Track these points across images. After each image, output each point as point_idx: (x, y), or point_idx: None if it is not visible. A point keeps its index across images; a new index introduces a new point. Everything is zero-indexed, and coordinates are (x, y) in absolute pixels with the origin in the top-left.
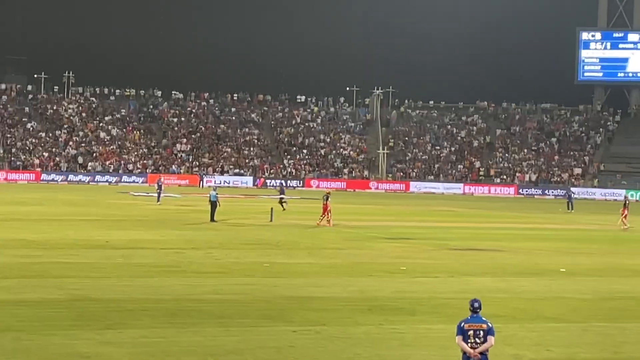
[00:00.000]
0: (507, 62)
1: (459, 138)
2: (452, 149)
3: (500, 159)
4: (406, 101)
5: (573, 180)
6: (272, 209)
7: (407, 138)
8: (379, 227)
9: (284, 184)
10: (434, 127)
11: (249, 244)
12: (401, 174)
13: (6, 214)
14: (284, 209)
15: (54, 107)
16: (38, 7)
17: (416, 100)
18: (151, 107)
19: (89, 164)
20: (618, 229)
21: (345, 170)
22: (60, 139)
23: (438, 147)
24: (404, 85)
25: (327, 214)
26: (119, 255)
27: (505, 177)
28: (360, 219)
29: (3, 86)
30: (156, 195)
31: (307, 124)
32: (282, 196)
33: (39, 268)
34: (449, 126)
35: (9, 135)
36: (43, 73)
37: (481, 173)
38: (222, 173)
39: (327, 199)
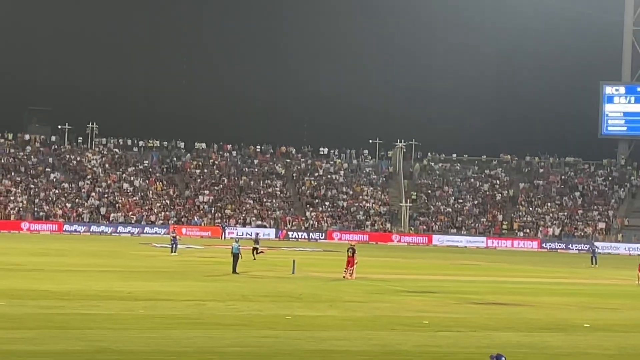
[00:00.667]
0: (530, 115)
1: (482, 191)
2: (475, 202)
3: (524, 213)
4: (429, 154)
5: (597, 234)
6: (294, 261)
7: (429, 191)
8: (401, 280)
9: (259, 235)
10: (457, 180)
11: (270, 296)
12: (424, 227)
13: (29, 265)
14: (254, 259)
15: (78, 158)
16: (62, 58)
17: (439, 153)
18: (174, 158)
19: (112, 215)
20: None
21: (368, 223)
22: (83, 190)
23: (461, 200)
24: (427, 138)
25: (352, 267)
26: (141, 307)
27: (528, 230)
28: (382, 271)
29: (27, 137)
30: (169, 246)
31: (329, 176)
32: (256, 246)
33: (60, 319)
34: (472, 179)
35: (32, 186)
36: (67, 124)
37: (504, 226)
38: (244, 225)
39: (353, 253)
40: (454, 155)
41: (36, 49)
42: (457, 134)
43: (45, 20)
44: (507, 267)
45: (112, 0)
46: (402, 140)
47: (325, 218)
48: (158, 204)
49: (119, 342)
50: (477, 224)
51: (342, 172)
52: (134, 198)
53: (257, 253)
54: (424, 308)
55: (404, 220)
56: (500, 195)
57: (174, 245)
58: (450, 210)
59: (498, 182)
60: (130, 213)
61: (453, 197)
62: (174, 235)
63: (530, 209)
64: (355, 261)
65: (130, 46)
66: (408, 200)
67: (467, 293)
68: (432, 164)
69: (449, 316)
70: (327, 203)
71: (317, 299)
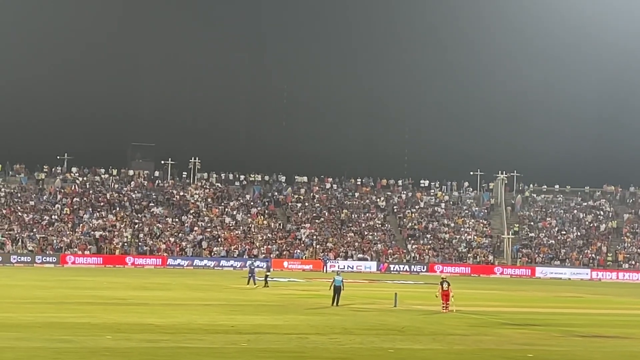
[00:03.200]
0: (635, 145)
1: (585, 222)
2: (578, 233)
3: (629, 244)
4: (531, 185)
5: None
6: (395, 294)
7: (532, 223)
8: (504, 313)
9: (270, 263)
10: (560, 211)
11: (373, 329)
12: (526, 259)
13: (133, 299)
14: (265, 285)
15: (181, 193)
16: (165, 95)
17: (541, 185)
18: (275, 192)
19: (214, 248)
20: None
21: (470, 255)
22: (186, 224)
23: (564, 232)
24: (528, 169)
25: (447, 301)
26: (244, 340)
27: (634, 262)
28: (485, 304)
29: (131, 172)
30: (248, 277)
31: (430, 209)
32: (268, 274)
33: (165, 353)
34: (575, 210)
35: (136, 221)
36: (170, 159)
37: (609, 258)
38: (345, 258)
39: (448, 285)
40: (556, 186)
41: (139, 86)
42: (560, 164)
43: (147, 57)
44: (612, 299)
45: (212, 40)
46: (504, 172)
47: (426, 250)
48: (260, 238)
49: None
50: (580, 256)
51: (443, 204)
52: (236, 232)
53: (268, 279)
54: (528, 341)
55: (506, 252)
56: (604, 226)
57: (251, 277)
58: (553, 241)
59: (602, 213)
60: (233, 247)
61: (556, 229)
62: (253, 267)
63: (636, 240)
64: (451, 294)
65: (231, 83)
66: (510, 232)
67: (572, 326)
68: (534, 195)
69: (553, 349)
70: (428, 235)
71: (419, 332)
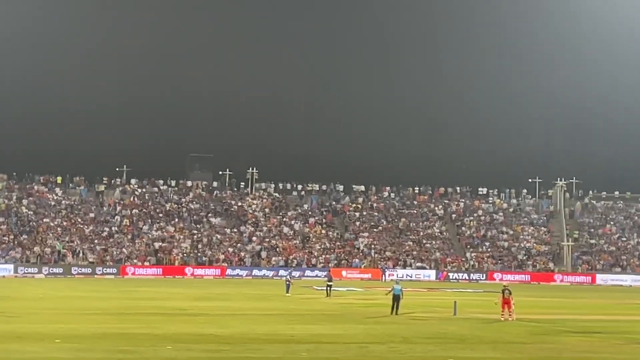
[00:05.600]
0: None
1: None
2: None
3: None
4: (590, 192)
5: None
6: (455, 302)
7: (592, 229)
8: (565, 321)
9: (329, 272)
10: (620, 217)
11: (432, 337)
12: (587, 266)
13: (193, 309)
14: (328, 295)
15: (239, 203)
16: (223, 106)
17: (600, 191)
18: (333, 201)
19: (273, 258)
20: None
21: (529, 263)
22: (244, 234)
23: (624, 238)
24: (588, 176)
25: (509, 309)
26: (304, 350)
27: None
28: (545, 312)
29: (189, 183)
30: (286, 286)
31: (489, 216)
32: (330, 283)
33: None
34: (636, 217)
35: (195, 232)
36: (228, 170)
37: None
38: (404, 266)
39: (510, 293)
40: (616, 192)
41: (197, 97)
42: (620, 170)
43: (205, 69)
44: None
45: (270, 51)
46: (562, 179)
47: (485, 258)
48: (318, 247)
49: None
50: None
51: (501, 212)
52: (294, 241)
53: (330, 289)
54: (589, 349)
55: (566, 260)
56: None
57: (288, 286)
58: (613, 248)
59: None
60: (291, 256)
61: (616, 235)
62: (289, 277)
63: None
64: (512, 302)
65: (287, 93)
66: (570, 239)
67: (634, 333)
68: (594, 202)
69: (615, 357)
70: (487, 243)
71: (479, 341)
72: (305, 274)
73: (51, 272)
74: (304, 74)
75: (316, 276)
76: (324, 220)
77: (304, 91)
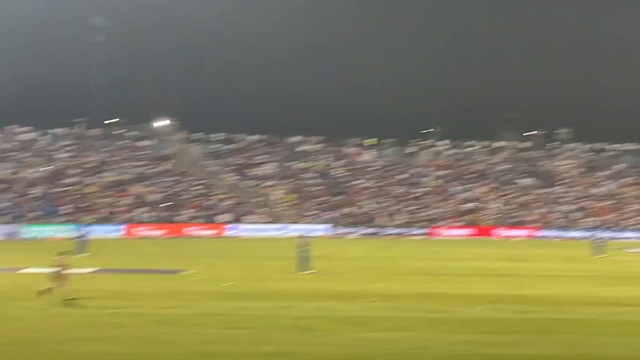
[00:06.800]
0: None
1: None
2: None
3: None
4: None
5: None
6: None
7: None
8: None
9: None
10: None
11: None
12: None
13: (504, 270)
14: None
15: (549, 164)
16: (532, 67)
17: None
18: None
19: (584, 219)
20: None
21: None
22: (555, 195)
23: None
24: None
25: None
26: (621, 312)
27: None
28: None
29: (500, 144)
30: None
31: None
32: None
33: (539, 324)
34: None
35: (505, 193)
36: (538, 130)
37: None
38: None
39: None
40: None
41: (511, 59)
42: None
43: (514, 33)
44: None
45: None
46: None
47: None
48: (631, 208)
49: (598, 347)
50: None
51: None
52: (607, 202)
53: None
54: None
55: None
56: None
57: (597, 247)
58: None
59: None
60: (603, 218)
61: None
62: (596, 238)
63: None
64: None
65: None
66: None
67: None
68: None
69: None
70: None
71: None
72: (617, 236)
73: (364, 232)
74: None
75: (628, 238)
76: (638, 180)
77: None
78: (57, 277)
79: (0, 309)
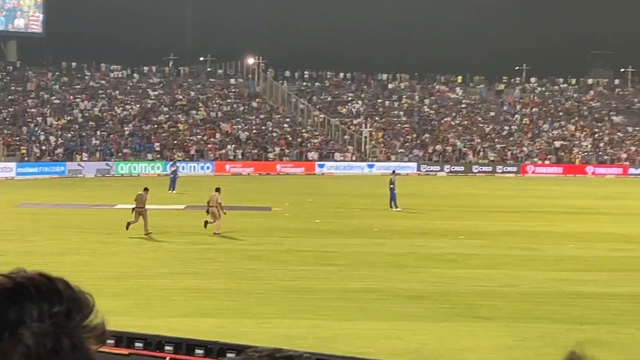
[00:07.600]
0: None
1: None
2: None
3: None
4: None
5: None
6: None
7: None
8: None
9: None
10: None
11: None
12: None
13: (595, 208)
14: None
15: None
16: (623, 1)
17: None
18: None
19: None
20: None
21: None
22: None
23: None
24: None
25: None
26: None
27: None
28: None
29: (590, 81)
30: None
31: None
32: None
33: (630, 262)
34: None
35: (596, 130)
36: (630, 67)
37: None
38: None
39: None
40: None
41: None
42: None
43: None
44: None
45: None
46: None
47: None
48: None
49: None
50: None
51: None
52: None
53: None
54: None
55: None
56: None
57: None
58: None
59: None
60: None
61: None
62: None
63: None
64: None
65: None
66: None
67: None
68: None
69: None
70: None
71: None
72: None
73: (452, 170)
74: None
75: None
76: None
77: None
78: (139, 213)
79: (96, 244)
